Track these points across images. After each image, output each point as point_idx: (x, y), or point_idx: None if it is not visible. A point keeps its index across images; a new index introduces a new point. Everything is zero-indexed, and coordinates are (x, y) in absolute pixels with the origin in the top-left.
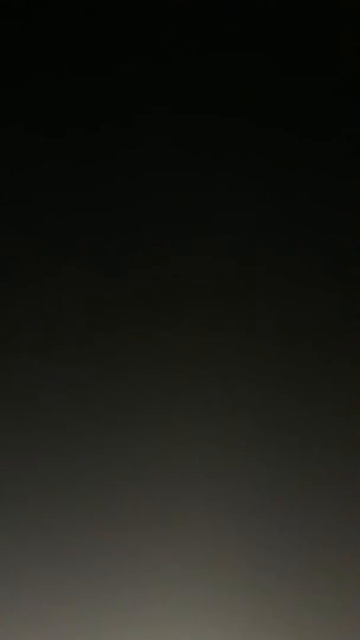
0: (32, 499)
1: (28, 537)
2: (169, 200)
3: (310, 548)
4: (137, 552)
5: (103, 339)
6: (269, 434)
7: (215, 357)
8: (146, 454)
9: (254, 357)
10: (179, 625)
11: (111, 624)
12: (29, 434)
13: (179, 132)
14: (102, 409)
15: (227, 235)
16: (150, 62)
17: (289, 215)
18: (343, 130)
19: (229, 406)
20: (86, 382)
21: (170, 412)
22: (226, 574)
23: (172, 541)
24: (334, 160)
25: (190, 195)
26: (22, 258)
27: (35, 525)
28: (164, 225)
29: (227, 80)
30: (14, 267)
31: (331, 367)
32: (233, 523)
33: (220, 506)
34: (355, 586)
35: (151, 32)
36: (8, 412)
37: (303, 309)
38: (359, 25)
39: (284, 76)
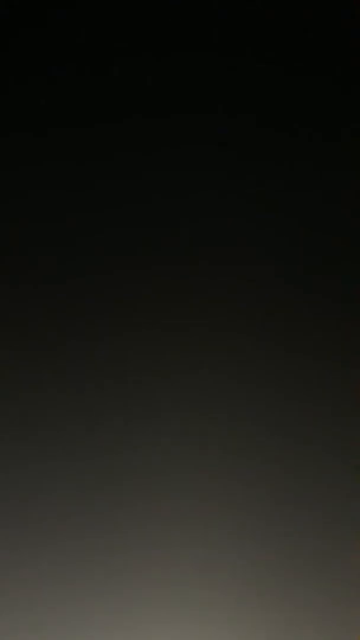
0: (32, 498)
1: (27, 537)
2: (170, 202)
3: (311, 548)
4: (136, 551)
5: (103, 339)
6: (270, 434)
7: (216, 358)
8: (145, 454)
9: (255, 358)
10: (178, 624)
11: (110, 624)
12: (28, 434)
13: (179, 132)
14: (102, 409)
15: (228, 236)
16: (149, 61)
17: (290, 215)
18: (343, 130)
19: (229, 406)
20: (86, 382)
21: (171, 412)
22: (226, 574)
23: (171, 541)
24: (334, 161)
25: (191, 197)
26: (22, 260)
27: (34, 525)
28: (165, 226)
29: (227, 80)
30: (14, 268)
31: (331, 369)
32: (233, 523)
33: (220, 506)
34: (356, 586)
35: (150, 31)
36: (8, 412)
37: (303, 310)
38: (359, 25)
39: (284, 76)
